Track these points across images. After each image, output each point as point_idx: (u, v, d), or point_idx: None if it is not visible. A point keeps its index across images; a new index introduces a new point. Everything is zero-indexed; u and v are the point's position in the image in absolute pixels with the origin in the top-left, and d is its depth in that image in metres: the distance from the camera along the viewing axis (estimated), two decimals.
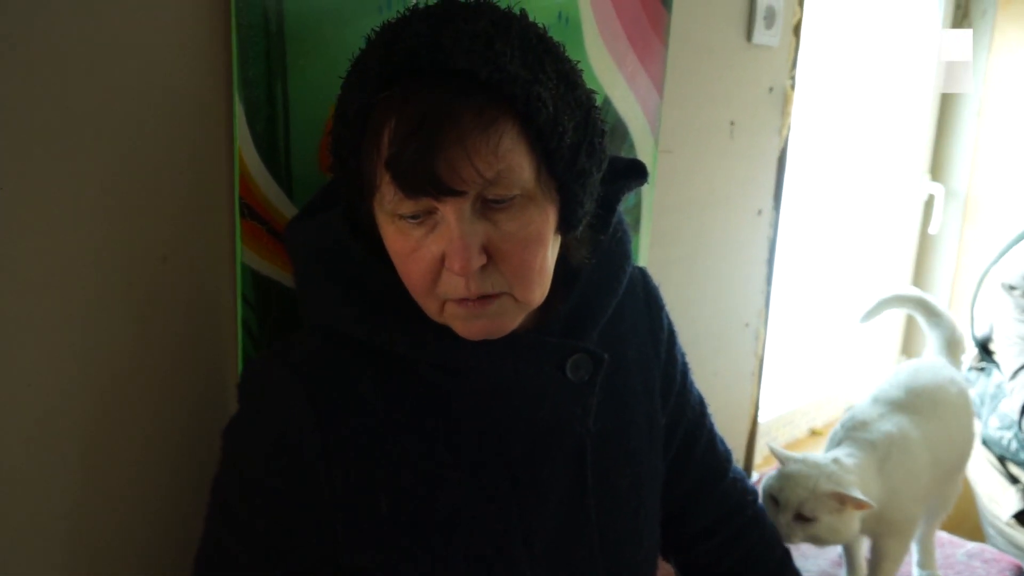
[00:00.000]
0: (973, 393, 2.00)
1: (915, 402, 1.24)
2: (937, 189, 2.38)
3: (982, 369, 1.94)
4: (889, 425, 1.20)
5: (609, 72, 1.18)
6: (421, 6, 0.68)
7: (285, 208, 0.85)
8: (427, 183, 0.62)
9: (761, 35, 1.48)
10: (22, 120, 0.68)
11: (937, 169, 2.42)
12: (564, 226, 0.71)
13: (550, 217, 0.69)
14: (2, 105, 0.67)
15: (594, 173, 0.71)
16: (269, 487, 0.72)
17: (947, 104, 2.38)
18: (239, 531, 0.73)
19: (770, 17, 1.49)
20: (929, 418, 1.23)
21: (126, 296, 0.77)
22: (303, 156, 0.86)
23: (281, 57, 0.81)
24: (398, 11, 0.69)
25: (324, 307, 0.74)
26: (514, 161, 0.64)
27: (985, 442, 1.89)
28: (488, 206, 0.65)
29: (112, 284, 0.76)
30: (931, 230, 2.40)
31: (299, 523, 0.72)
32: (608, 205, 0.80)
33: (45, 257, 0.71)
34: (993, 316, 1.86)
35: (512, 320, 0.70)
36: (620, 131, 1.23)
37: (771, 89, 1.57)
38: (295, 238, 0.78)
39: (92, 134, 0.72)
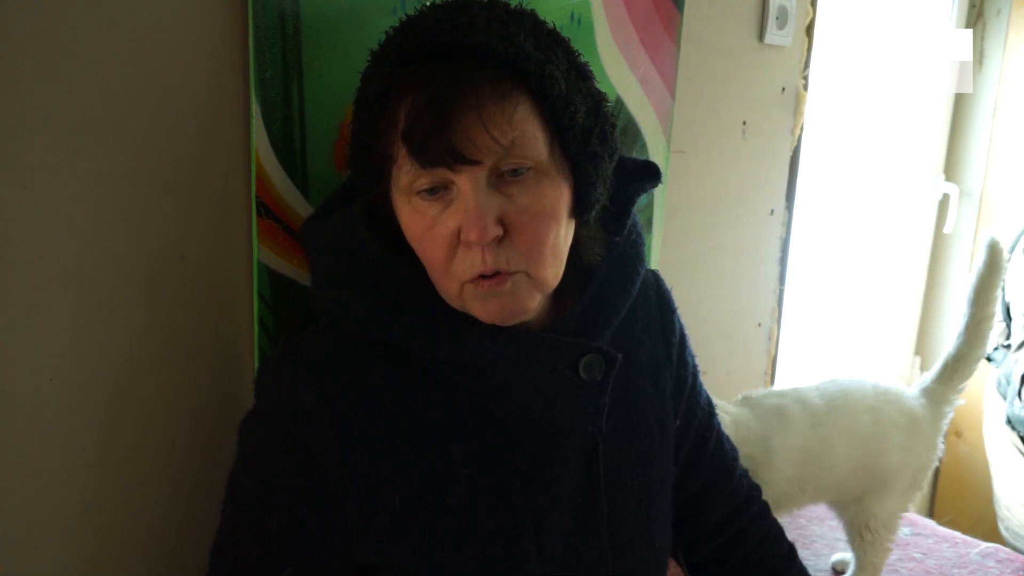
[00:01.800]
0: (998, 373, 1.94)
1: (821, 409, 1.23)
2: (951, 189, 2.37)
3: (1007, 347, 1.88)
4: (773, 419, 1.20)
5: (621, 73, 1.19)
6: (438, 2, 0.70)
7: (301, 207, 0.86)
8: (444, 152, 0.63)
9: (773, 35, 1.48)
10: (43, 121, 0.69)
11: (951, 169, 2.41)
12: (578, 208, 0.72)
13: (564, 194, 0.70)
14: (24, 107, 0.68)
15: (606, 159, 0.72)
16: (282, 482, 0.72)
17: (961, 103, 2.37)
18: (253, 526, 0.74)
19: (782, 17, 1.49)
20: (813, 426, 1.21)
21: (145, 293, 0.78)
22: (319, 156, 0.87)
23: (297, 59, 0.83)
24: (413, 11, 0.71)
25: (338, 304, 0.75)
26: (528, 131, 0.66)
27: (1010, 421, 1.84)
28: (503, 179, 0.66)
29: (131, 282, 0.77)
30: (946, 230, 2.39)
31: (312, 518, 0.72)
32: (622, 207, 0.80)
33: (66, 255, 0.72)
34: (1018, 282, 1.80)
35: (527, 299, 0.70)
36: (632, 131, 1.24)
37: (783, 89, 1.57)
38: (311, 236, 0.79)
39: (112, 135, 0.73)
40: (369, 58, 0.71)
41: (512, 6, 0.70)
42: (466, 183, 0.65)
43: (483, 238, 0.65)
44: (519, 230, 0.67)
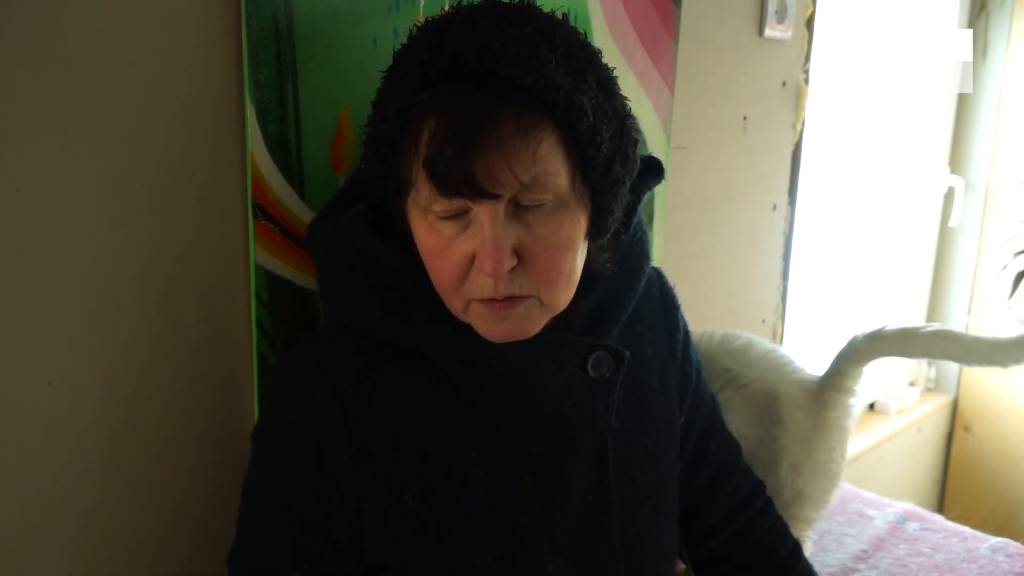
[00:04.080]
0: None
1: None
2: (957, 182, 2.35)
3: None
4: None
5: (619, 69, 1.17)
6: (464, 4, 0.68)
7: (297, 208, 0.86)
8: (464, 185, 0.63)
9: (773, 29, 1.47)
10: (38, 124, 0.69)
11: (956, 162, 2.40)
12: (594, 232, 0.72)
13: (581, 223, 0.69)
14: (18, 110, 0.68)
15: (626, 182, 0.72)
16: (297, 484, 0.73)
17: (966, 96, 2.35)
18: (268, 528, 0.75)
19: (781, 11, 1.48)
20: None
21: (142, 297, 0.78)
22: (314, 156, 0.86)
23: (291, 59, 0.82)
24: (433, 15, 0.68)
25: (348, 306, 0.75)
26: (551, 166, 0.65)
27: None
28: (521, 209, 0.66)
29: (128, 285, 0.77)
30: (951, 223, 2.37)
31: (327, 519, 0.73)
32: (628, 206, 0.80)
33: (62, 259, 0.72)
34: None
35: (537, 323, 0.71)
36: None
37: (784, 83, 1.57)
38: (317, 238, 0.79)
39: (107, 138, 0.73)
40: (392, 60, 0.70)
41: (543, 18, 0.68)
42: (485, 214, 0.65)
43: (498, 271, 0.65)
44: (534, 260, 0.67)
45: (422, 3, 0.91)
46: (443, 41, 0.65)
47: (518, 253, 0.66)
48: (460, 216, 0.66)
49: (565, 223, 0.67)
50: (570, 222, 0.68)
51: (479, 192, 0.63)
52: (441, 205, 0.66)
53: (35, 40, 0.68)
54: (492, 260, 0.65)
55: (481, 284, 0.67)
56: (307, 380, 0.73)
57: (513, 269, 0.66)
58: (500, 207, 0.65)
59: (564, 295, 0.70)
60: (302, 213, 0.86)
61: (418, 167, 0.65)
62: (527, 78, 0.62)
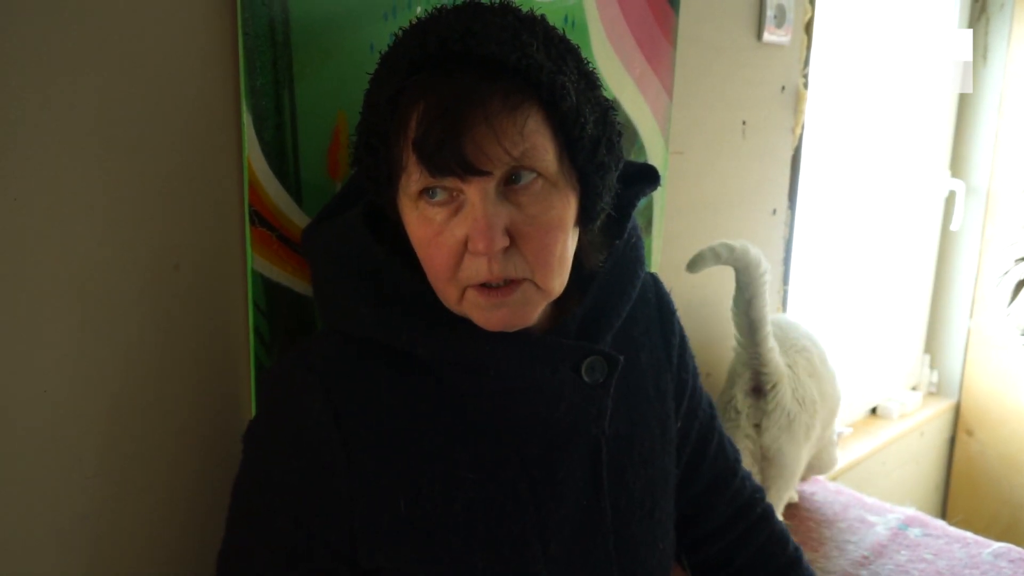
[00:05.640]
0: None
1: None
2: (958, 185, 2.35)
3: None
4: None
5: (617, 74, 1.18)
6: (448, 6, 0.70)
7: (294, 215, 0.86)
8: (454, 163, 0.63)
9: (771, 34, 1.47)
10: (35, 132, 0.69)
11: (957, 165, 2.39)
12: (584, 218, 0.72)
13: (571, 204, 0.70)
14: (13, 117, 0.68)
15: (612, 169, 0.72)
16: (289, 487, 0.73)
17: (966, 99, 2.35)
18: (259, 531, 0.74)
19: (780, 16, 1.48)
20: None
21: (139, 304, 0.78)
22: (311, 163, 0.86)
23: (288, 66, 0.82)
24: (409, 20, 0.71)
25: (342, 309, 0.75)
26: (538, 142, 0.66)
27: None
28: (511, 189, 0.67)
29: (125, 292, 0.77)
30: (952, 227, 2.36)
31: (319, 523, 0.73)
32: (623, 210, 0.80)
33: (58, 266, 0.72)
34: None
35: (533, 309, 0.71)
36: (630, 133, 1.23)
37: (783, 88, 1.57)
38: (312, 241, 0.79)
39: (103, 145, 0.73)
40: (379, 60, 0.71)
41: (523, 12, 0.70)
42: (475, 193, 0.65)
43: (491, 249, 0.65)
44: (527, 240, 0.67)
45: (418, 9, 0.91)
46: (428, 31, 0.66)
47: (510, 234, 0.67)
48: (451, 201, 0.67)
49: (555, 203, 0.68)
50: (560, 202, 0.68)
51: (469, 169, 0.63)
52: (432, 187, 0.66)
53: (30, 47, 0.68)
54: (485, 238, 0.65)
55: (475, 268, 0.67)
56: (301, 383, 0.73)
57: (506, 251, 0.67)
58: (490, 186, 0.65)
59: (558, 279, 0.70)
60: (299, 219, 0.86)
61: (408, 151, 0.65)
62: (511, 56, 0.64)
